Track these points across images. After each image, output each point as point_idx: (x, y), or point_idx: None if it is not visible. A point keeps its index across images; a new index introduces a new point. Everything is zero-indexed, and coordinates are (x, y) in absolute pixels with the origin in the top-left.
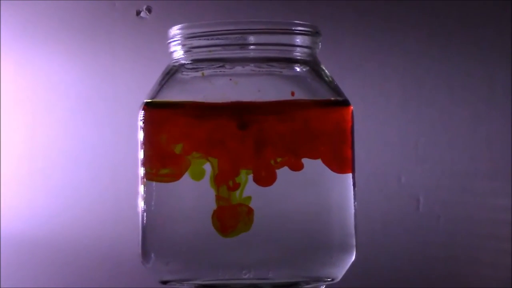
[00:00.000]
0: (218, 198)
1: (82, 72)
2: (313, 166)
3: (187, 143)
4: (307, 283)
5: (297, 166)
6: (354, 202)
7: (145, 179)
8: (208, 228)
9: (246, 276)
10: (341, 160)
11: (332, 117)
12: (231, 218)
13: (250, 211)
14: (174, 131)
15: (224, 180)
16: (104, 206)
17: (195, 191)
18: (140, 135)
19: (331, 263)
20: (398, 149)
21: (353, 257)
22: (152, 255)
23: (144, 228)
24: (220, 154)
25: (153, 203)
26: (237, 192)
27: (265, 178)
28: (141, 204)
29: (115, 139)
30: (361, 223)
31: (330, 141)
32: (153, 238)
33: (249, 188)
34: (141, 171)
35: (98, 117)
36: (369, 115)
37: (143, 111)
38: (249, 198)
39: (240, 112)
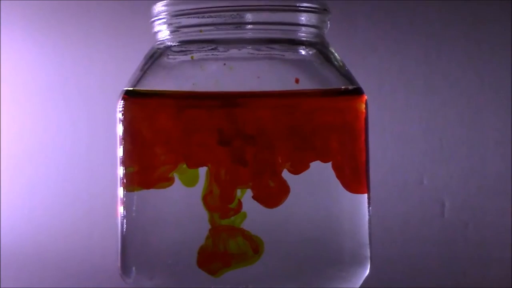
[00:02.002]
0: (211, 221)
1: (53, 58)
2: (320, 170)
3: (171, 144)
4: None
5: (301, 169)
6: (369, 207)
7: (124, 181)
8: (199, 239)
9: None
10: (354, 166)
11: (343, 108)
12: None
13: (256, 248)
14: (158, 125)
15: (216, 208)
16: (77, 211)
17: (184, 195)
18: (119, 129)
19: (342, 278)
20: (420, 146)
21: (368, 271)
22: (133, 268)
23: (124, 238)
24: (211, 163)
25: (134, 209)
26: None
27: (271, 196)
28: (120, 209)
29: (90, 134)
30: (376, 232)
31: (341, 138)
32: (134, 249)
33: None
34: (120, 171)
35: (71, 109)
36: (386, 106)
37: (122, 101)
38: (244, 214)
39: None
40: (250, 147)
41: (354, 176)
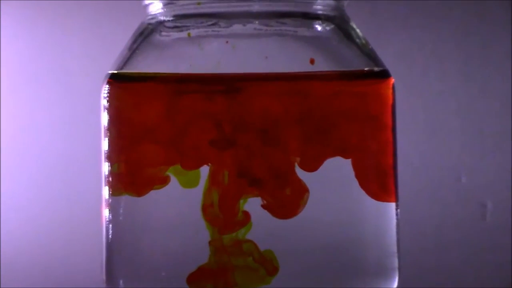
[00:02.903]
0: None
1: (22, 32)
2: (339, 169)
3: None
4: None
5: (314, 166)
6: (397, 210)
7: (110, 179)
8: (198, 247)
9: None
10: (378, 164)
11: (365, 94)
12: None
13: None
14: (149, 114)
15: (217, 223)
16: (54, 214)
17: (181, 196)
18: (104, 118)
19: None
20: (457, 139)
21: (396, 284)
22: (121, 281)
23: (110, 245)
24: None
25: (121, 212)
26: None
27: (285, 204)
28: (105, 212)
29: (70, 125)
30: (406, 238)
31: (363, 130)
32: (122, 259)
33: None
34: (105, 167)
35: (46, 95)
36: (417, 92)
37: (107, 86)
38: (249, 225)
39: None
40: (258, 143)
41: (379, 178)
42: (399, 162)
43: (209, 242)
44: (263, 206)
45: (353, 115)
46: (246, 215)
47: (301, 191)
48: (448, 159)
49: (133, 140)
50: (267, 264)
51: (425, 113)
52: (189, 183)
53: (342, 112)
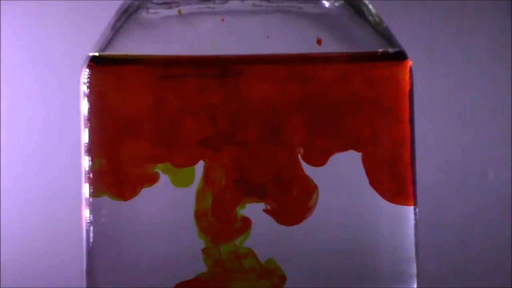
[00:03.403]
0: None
1: None
2: (349, 164)
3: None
4: None
5: (319, 160)
6: (415, 210)
7: (91, 176)
8: (191, 254)
9: None
10: (393, 160)
11: (379, 78)
12: None
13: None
14: (134, 101)
15: (212, 232)
16: (29, 214)
17: (172, 195)
18: (84, 106)
19: None
20: (484, 130)
21: None
22: None
23: (91, 251)
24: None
25: (104, 212)
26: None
27: (292, 209)
28: (85, 213)
29: (46, 113)
30: (427, 241)
31: (376, 120)
32: (104, 266)
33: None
34: (86, 161)
35: (19, 79)
36: (438, 77)
37: (87, 70)
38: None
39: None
40: (258, 137)
41: (393, 178)
42: (419, 157)
43: (203, 250)
44: (266, 211)
45: (364, 103)
46: (246, 221)
47: (309, 191)
48: (473, 153)
49: (116, 132)
50: (272, 277)
51: (448, 101)
52: (182, 182)
53: (352, 99)
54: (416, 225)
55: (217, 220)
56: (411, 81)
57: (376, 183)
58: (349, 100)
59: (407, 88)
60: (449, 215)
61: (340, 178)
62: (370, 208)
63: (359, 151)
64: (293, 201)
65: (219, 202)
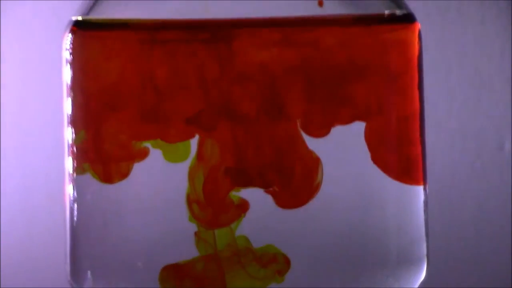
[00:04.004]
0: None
1: None
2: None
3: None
4: None
5: (319, 131)
6: (425, 186)
7: (74, 150)
8: (183, 232)
9: None
10: (400, 133)
11: (385, 43)
12: None
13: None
14: (120, 69)
15: (205, 221)
16: (7, 189)
17: (163, 170)
18: (67, 74)
19: (389, 283)
20: (500, 99)
21: (423, 273)
22: (88, 273)
23: (75, 230)
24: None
25: (89, 189)
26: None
27: (297, 189)
28: (69, 189)
29: (25, 82)
30: (437, 220)
31: (381, 88)
32: (90, 246)
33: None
34: (69, 134)
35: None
36: (451, 40)
37: (70, 35)
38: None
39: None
40: (256, 110)
41: (400, 154)
42: (429, 128)
43: (196, 233)
44: (268, 192)
45: (368, 70)
46: (243, 205)
47: (314, 167)
48: (489, 123)
49: (101, 104)
50: (274, 264)
51: (461, 67)
52: (175, 156)
53: (356, 66)
54: (426, 203)
55: (209, 204)
56: (420, 45)
57: (379, 159)
58: (352, 67)
59: (416, 53)
60: (463, 191)
61: (344, 153)
62: (376, 186)
63: (363, 121)
64: (298, 182)
65: (211, 181)
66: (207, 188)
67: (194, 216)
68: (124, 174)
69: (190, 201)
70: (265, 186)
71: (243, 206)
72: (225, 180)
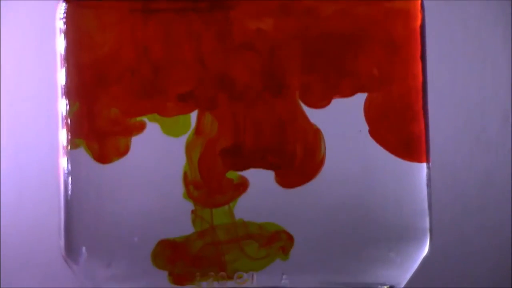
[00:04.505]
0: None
1: None
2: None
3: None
4: None
5: (318, 102)
6: (427, 158)
7: (69, 122)
8: (180, 207)
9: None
10: (401, 107)
11: (386, 12)
12: None
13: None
14: (116, 40)
15: (202, 200)
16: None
17: (161, 143)
18: (60, 44)
19: (390, 260)
20: (504, 70)
21: (426, 249)
22: (83, 249)
23: (69, 205)
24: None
25: (84, 162)
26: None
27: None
28: (63, 162)
29: (19, 51)
30: (444, 191)
31: (382, 58)
32: (84, 222)
33: None
34: (63, 106)
35: None
36: (455, 12)
37: (64, 4)
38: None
39: None
40: (255, 84)
41: (401, 129)
42: (433, 101)
43: (192, 211)
44: (271, 168)
45: (370, 40)
46: (242, 184)
47: (317, 140)
48: (494, 96)
49: (95, 77)
50: (277, 242)
51: (465, 39)
52: (175, 130)
53: (357, 36)
54: (428, 176)
55: (206, 183)
56: (423, 15)
57: (378, 133)
58: (353, 37)
59: (418, 23)
60: (467, 162)
61: (344, 125)
62: (376, 160)
63: (364, 92)
64: (302, 160)
65: (208, 160)
66: (204, 167)
67: (190, 196)
68: (122, 153)
69: (186, 180)
70: (267, 167)
71: (242, 185)
72: (224, 161)
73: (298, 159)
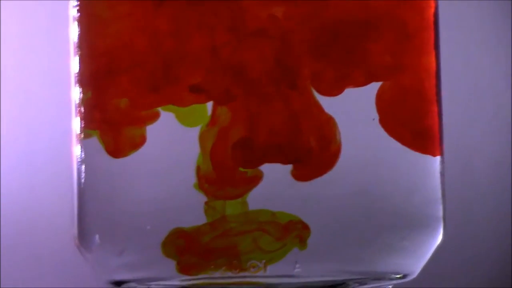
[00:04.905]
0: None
1: None
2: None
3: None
4: (361, 282)
5: (330, 90)
6: (441, 149)
7: (82, 110)
8: (194, 198)
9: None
10: (414, 94)
11: (400, 1)
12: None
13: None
14: (130, 28)
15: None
16: (12, 153)
17: (176, 135)
18: (74, 31)
19: (402, 248)
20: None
21: (439, 237)
22: (96, 237)
23: (82, 192)
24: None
25: (98, 149)
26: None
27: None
28: (76, 150)
29: (30, 38)
30: (455, 181)
31: (392, 46)
32: (97, 209)
33: None
34: (76, 93)
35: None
36: None
37: None
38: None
39: None
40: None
41: (413, 119)
42: (445, 87)
43: (206, 203)
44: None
45: (384, 27)
46: (256, 177)
47: (331, 131)
48: (506, 82)
49: (108, 64)
50: (293, 232)
51: (479, 25)
52: (190, 120)
53: (371, 23)
54: (442, 164)
55: (218, 175)
56: (436, 2)
57: (386, 122)
58: (366, 24)
59: (432, 10)
60: (480, 150)
61: (357, 115)
62: (387, 148)
63: (377, 81)
64: (318, 153)
65: (221, 153)
66: (216, 159)
67: (202, 188)
68: (137, 144)
69: (199, 172)
70: (284, 162)
71: (256, 178)
72: (236, 157)
73: (315, 152)
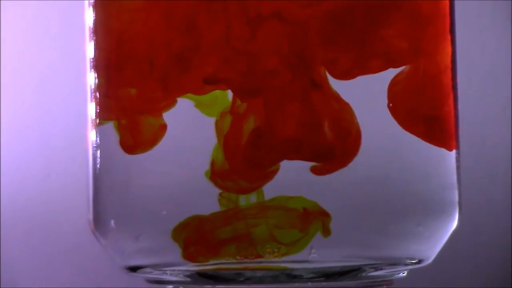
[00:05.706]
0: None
1: None
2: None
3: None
4: (377, 267)
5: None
6: (457, 140)
7: (97, 95)
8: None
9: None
10: (429, 81)
11: None
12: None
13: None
14: (145, 16)
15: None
16: (28, 137)
17: (193, 121)
18: (89, 17)
19: (418, 234)
20: None
21: (455, 222)
22: (112, 222)
23: (98, 177)
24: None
25: (113, 134)
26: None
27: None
28: (91, 136)
29: (45, 23)
30: (470, 165)
31: (407, 32)
32: (113, 195)
33: None
34: (91, 78)
35: None
36: None
37: None
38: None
39: None
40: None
41: (429, 106)
42: (460, 73)
43: (220, 194)
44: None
45: (398, 13)
46: (272, 171)
47: (350, 120)
48: None
49: (125, 51)
50: (314, 219)
51: (493, 10)
52: (210, 109)
53: (385, 8)
54: (457, 149)
55: (229, 161)
56: None
57: (398, 113)
58: (380, 9)
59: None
60: (496, 137)
61: (372, 101)
62: (404, 133)
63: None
64: (339, 146)
65: (232, 137)
66: (231, 155)
67: (216, 182)
68: (152, 142)
69: (213, 166)
70: (304, 159)
71: (272, 172)
72: (252, 156)
73: (337, 150)
